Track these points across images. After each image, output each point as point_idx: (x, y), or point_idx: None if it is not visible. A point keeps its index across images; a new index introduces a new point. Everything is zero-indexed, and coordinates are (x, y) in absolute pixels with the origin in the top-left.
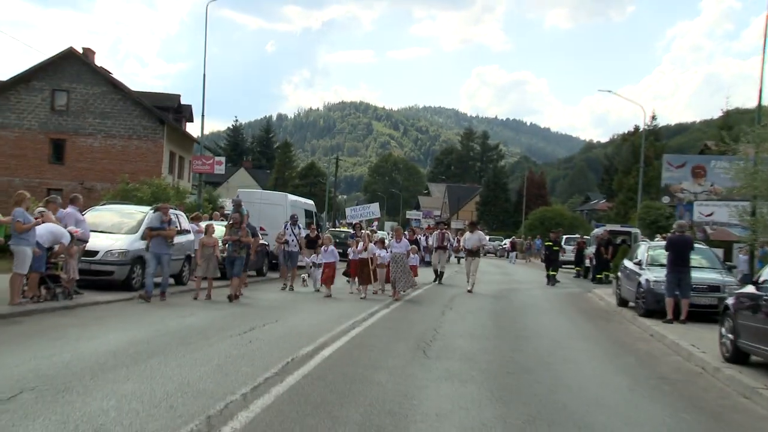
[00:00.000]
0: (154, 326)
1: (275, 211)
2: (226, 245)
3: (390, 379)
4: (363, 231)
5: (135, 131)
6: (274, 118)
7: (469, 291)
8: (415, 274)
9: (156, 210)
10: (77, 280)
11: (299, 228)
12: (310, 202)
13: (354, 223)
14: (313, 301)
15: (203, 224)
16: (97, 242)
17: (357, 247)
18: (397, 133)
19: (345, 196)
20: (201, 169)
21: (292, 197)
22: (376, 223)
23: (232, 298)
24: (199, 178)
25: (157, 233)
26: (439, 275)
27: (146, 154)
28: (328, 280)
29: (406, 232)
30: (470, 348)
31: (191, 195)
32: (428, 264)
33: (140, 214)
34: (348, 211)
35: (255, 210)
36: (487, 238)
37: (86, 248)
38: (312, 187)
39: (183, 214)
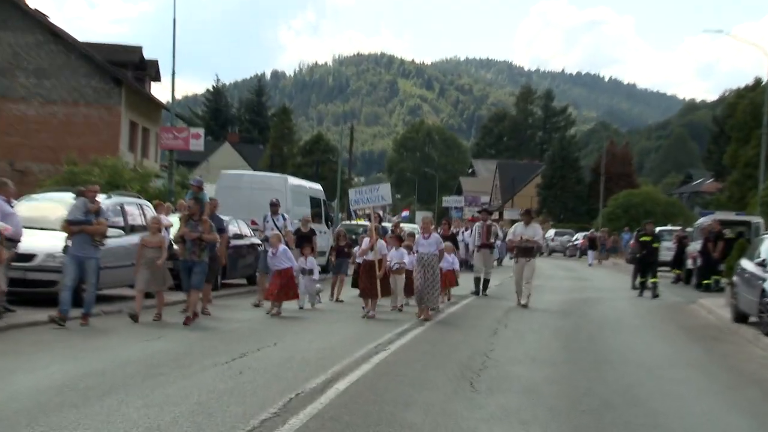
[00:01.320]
0: (111, 353)
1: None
2: (185, 245)
3: (426, 419)
4: (372, 223)
5: (83, 95)
6: (268, 76)
7: (523, 305)
8: (454, 283)
9: (78, 195)
10: (6, 294)
11: (284, 219)
12: (317, 186)
13: (366, 213)
14: (322, 320)
15: (170, 217)
16: (33, 243)
17: (362, 245)
18: (431, 93)
19: (363, 179)
20: (172, 144)
21: (293, 180)
22: (406, 213)
23: (189, 319)
24: (169, 157)
25: (80, 229)
26: (483, 284)
27: (98, 126)
28: (282, 292)
29: (437, 226)
30: (532, 377)
31: (159, 178)
32: (468, 266)
33: None
34: (351, 194)
35: (244, 198)
36: (552, 231)
37: (18, 251)
38: (319, 166)
39: (148, 204)
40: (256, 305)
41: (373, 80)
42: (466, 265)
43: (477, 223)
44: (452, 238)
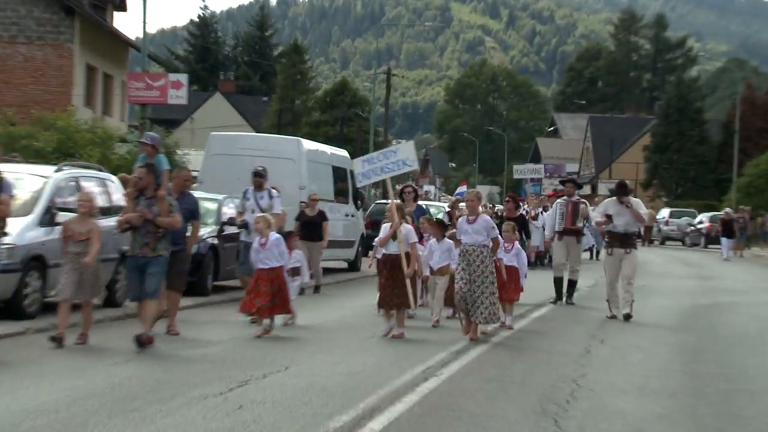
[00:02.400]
0: (67, 381)
1: (280, 171)
2: (134, 234)
3: None
4: (391, 199)
5: (22, 29)
6: (273, 1)
7: (625, 316)
8: (516, 293)
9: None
10: None
11: (271, 197)
12: (343, 153)
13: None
14: (351, 335)
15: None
16: None
17: (381, 233)
18: (497, 23)
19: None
20: (144, 96)
21: (309, 145)
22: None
23: (144, 340)
24: (140, 114)
25: None
26: (567, 288)
27: (44, 72)
28: (274, 303)
29: (492, 205)
30: (639, 413)
31: (126, 143)
32: (542, 263)
33: (38, 179)
34: (359, 166)
35: (242, 169)
36: (666, 212)
37: None
38: (345, 125)
39: (113, 179)
40: (252, 321)
41: (417, 6)
42: (538, 260)
43: (558, 200)
44: (521, 222)
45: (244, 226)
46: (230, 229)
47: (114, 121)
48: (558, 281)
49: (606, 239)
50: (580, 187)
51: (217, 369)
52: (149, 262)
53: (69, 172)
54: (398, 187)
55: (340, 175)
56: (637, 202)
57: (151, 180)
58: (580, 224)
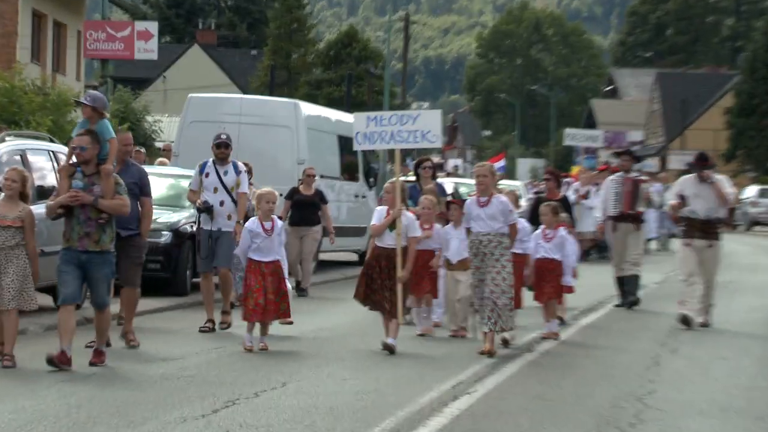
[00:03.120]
0: (13, 402)
1: (274, 141)
2: (69, 220)
3: None
4: (397, 177)
5: None
6: None
7: (701, 324)
8: (556, 291)
9: None
10: None
11: (237, 173)
12: (350, 119)
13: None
14: (363, 345)
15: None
16: None
17: (374, 219)
18: None
19: (426, 104)
20: (105, 51)
21: (309, 109)
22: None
23: (101, 357)
24: (101, 72)
25: None
26: (627, 287)
27: None
28: (275, 305)
29: (521, 184)
30: None
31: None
32: (592, 255)
33: None
34: (360, 123)
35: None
36: (754, 190)
37: None
38: (355, 85)
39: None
40: (206, 328)
41: None
42: (599, 250)
43: (611, 178)
44: (564, 205)
45: (207, 209)
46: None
47: (68, 80)
48: (619, 282)
49: (682, 227)
50: (638, 160)
51: (198, 386)
52: (92, 259)
53: (13, 143)
54: (408, 162)
55: (347, 146)
56: (721, 180)
57: (94, 151)
58: (640, 208)
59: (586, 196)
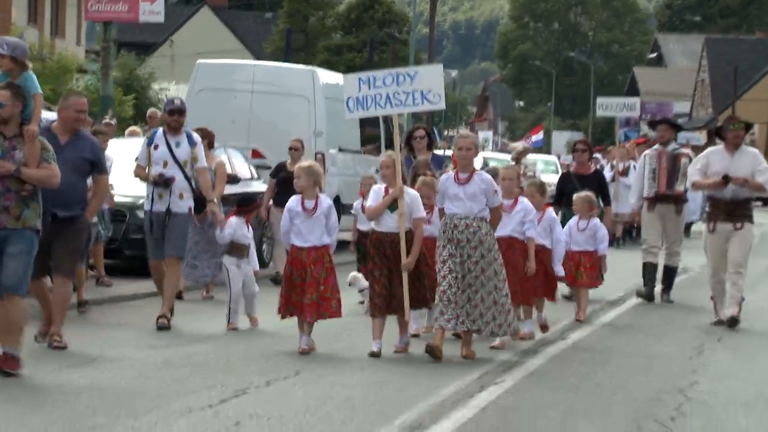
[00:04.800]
0: (5, 391)
1: (289, 112)
2: None
3: None
4: (396, 146)
5: None
6: None
7: (729, 321)
8: (542, 288)
9: None
10: None
11: (194, 143)
12: None
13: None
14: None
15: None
16: None
17: (367, 198)
18: None
19: (454, 73)
20: (107, 13)
21: (327, 77)
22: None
23: (11, 363)
24: (103, 36)
25: None
26: (664, 278)
27: None
28: (324, 299)
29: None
30: None
31: (85, 74)
32: (618, 243)
33: None
34: (350, 85)
35: (239, 110)
36: None
37: None
38: (378, 51)
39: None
40: (164, 324)
41: None
42: (630, 235)
43: (647, 152)
44: (597, 182)
45: (166, 182)
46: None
47: (68, 45)
48: (650, 268)
49: (707, 208)
50: (678, 129)
51: (205, 374)
52: (9, 236)
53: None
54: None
55: (368, 118)
56: (754, 154)
57: (15, 109)
58: (681, 187)
59: (625, 173)
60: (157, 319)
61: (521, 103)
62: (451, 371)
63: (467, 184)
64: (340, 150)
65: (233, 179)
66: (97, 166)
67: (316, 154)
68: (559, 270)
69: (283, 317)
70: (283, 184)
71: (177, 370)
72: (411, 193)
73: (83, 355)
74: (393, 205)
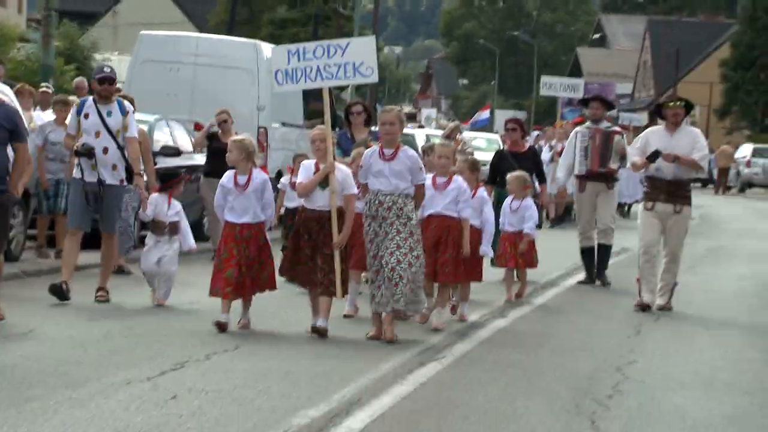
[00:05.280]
0: None
1: (232, 85)
2: None
3: None
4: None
5: None
6: None
7: (660, 307)
8: (466, 272)
9: None
10: None
11: (125, 112)
12: None
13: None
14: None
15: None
16: None
17: (296, 174)
18: None
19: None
20: None
21: (270, 50)
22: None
23: None
24: (45, 3)
25: None
26: (598, 258)
27: None
28: (262, 278)
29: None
30: (704, 414)
31: (26, 43)
32: (556, 222)
33: None
34: (282, 57)
35: (182, 82)
36: (749, 148)
37: None
38: (320, 26)
39: (6, 91)
40: (103, 297)
41: None
42: (550, 219)
43: (578, 129)
44: (532, 159)
45: (88, 152)
46: (166, 162)
47: (9, 13)
48: (589, 253)
49: (645, 187)
50: (610, 107)
51: (145, 346)
52: None
53: None
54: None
55: (313, 92)
56: (694, 133)
57: None
58: (613, 165)
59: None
60: (96, 292)
61: (465, 82)
62: (392, 347)
63: (393, 161)
64: (283, 124)
65: (175, 152)
66: (14, 133)
67: (258, 128)
68: (486, 251)
69: (212, 295)
70: (215, 154)
71: (117, 342)
72: (343, 170)
73: (20, 326)
74: (323, 183)
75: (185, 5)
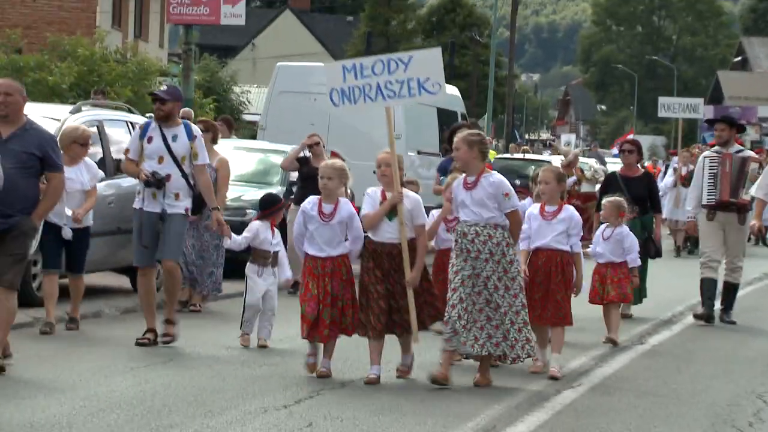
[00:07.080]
0: (85, 388)
1: (368, 114)
2: None
3: None
4: (391, 147)
5: None
6: None
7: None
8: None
9: None
10: None
11: (192, 136)
12: (453, 91)
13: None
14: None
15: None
16: None
17: (364, 206)
18: None
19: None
20: (189, 16)
21: None
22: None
23: None
24: (185, 38)
25: None
26: (724, 296)
27: None
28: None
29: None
30: None
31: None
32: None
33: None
34: (337, 74)
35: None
36: None
37: None
38: (458, 54)
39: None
40: (167, 338)
41: None
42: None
43: (705, 154)
44: (646, 185)
45: (159, 182)
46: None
47: (151, 47)
48: (708, 284)
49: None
50: (741, 129)
51: (281, 375)
52: None
53: (89, 113)
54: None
55: (449, 120)
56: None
57: None
58: (746, 196)
59: (687, 178)
60: (163, 336)
61: (603, 107)
62: (527, 374)
63: (475, 189)
64: (419, 153)
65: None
66: (48, 162)
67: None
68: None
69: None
70: (306, 180)
71: (254, 371)
72: (412, 197)
73: (163, 355)
74: (390, 213)
75: (322, 37)
